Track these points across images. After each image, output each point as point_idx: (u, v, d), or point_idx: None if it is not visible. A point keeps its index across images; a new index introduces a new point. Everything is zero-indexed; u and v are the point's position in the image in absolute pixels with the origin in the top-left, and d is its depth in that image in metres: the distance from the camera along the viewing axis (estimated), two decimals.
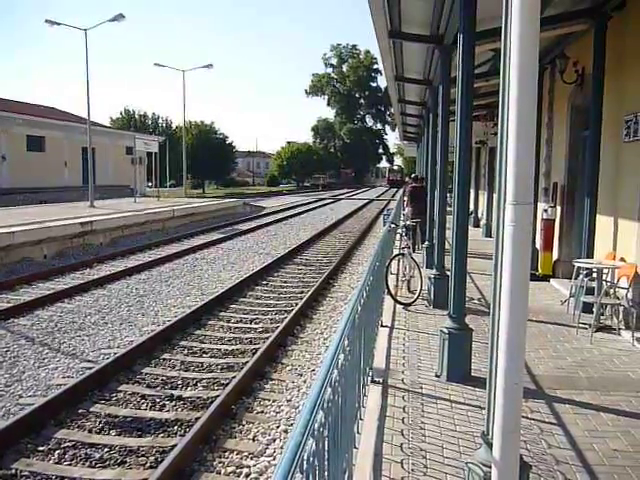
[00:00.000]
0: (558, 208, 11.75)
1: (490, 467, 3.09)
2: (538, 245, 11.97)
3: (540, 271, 11.79)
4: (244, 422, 6.49)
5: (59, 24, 27.83)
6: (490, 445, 3.12)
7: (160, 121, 78.12)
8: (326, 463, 2.64)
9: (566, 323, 8.47)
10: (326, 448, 2.62)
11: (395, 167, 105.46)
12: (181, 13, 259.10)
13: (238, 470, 5.47)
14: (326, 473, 2.63)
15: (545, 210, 11.66)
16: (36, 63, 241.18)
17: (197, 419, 6.33)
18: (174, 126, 76.47)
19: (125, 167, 44.79)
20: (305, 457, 2.20)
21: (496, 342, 3.07)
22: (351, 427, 4.02)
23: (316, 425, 2.39)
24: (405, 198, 24.59)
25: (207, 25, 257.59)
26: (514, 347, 2.93)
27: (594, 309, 8.01)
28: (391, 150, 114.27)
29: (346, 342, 3.51)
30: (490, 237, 17.34)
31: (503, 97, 3.01)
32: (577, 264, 8.59)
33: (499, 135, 3.06)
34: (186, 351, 8.96)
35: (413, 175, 18.43)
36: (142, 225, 24.28)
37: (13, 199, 32.64)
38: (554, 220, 11.64)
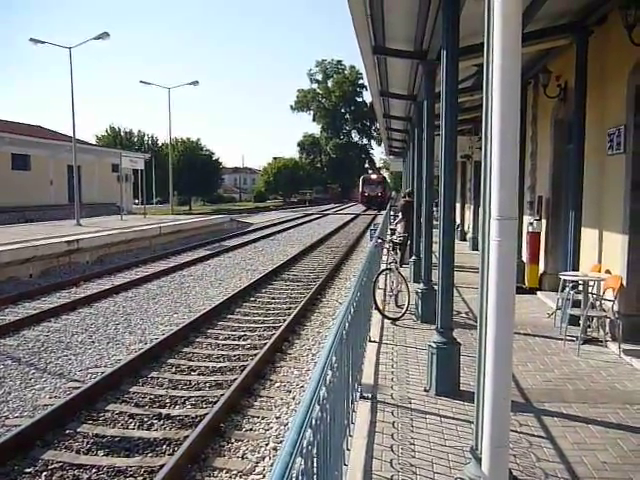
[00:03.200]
0: (543, 221, 11.83)
1: None
2: (525, 258, 12.03)
3: (527, 284, 11.84)
4: (233, 440, 6.44)
5: (43, 42, 27.81)
6: (479, 460, 3.12)
7: (146, 138, 77.98)
8: None
9: (553, 336, 8.50)
10: (315, 466, 2.60)
11: (373, 176, 74.48)
12: (165, 29, 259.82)
13: None
14: None
15: (531, 223, 11.74)
16: (21, 81, 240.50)
17: (186, 438, 6.27)
18: (160, 143, 76.43)
19: (111, 184, 44.66)
20: (294, 476, 2.20)
21: (483, 356, 3.07)
22: (340, 444, 4.00)
23: (304, 443, 2.38)
24: (392, 213, 24.77)
25: (191, 40, 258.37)
26: (501, 361, 2.93)
27: (581, 322, 8.05)
28: (377, 165, 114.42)
29: (334, 359, 3.50)
30: (477, 250, 17.43)
31: (486, 113, 3.04)
32: (563, 277, 8.64)
33: (483, 150, 3.08)
34: (174, 369, 8.89)
35: (407, 190, 18.52)
36: (129, 243, 24.16)
37: None
38: (539, 233, 11.72)
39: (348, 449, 4.60)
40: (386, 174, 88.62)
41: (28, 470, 5.74)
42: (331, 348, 3.33)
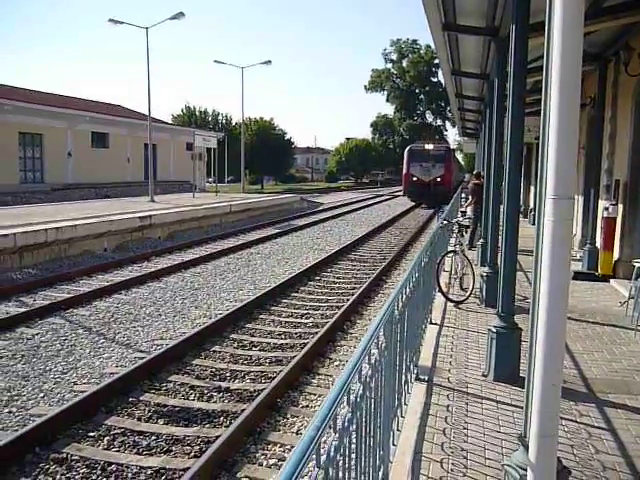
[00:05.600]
0: (620, 206, 11.34)
1: (526, 470, 3.00)
2: (598, 244, 11.60)
3: (600, 271, 11.43)
4: (289, 416, 6.51)
5: (122, 23, 28.49)
6: (527, 448, 3.03)
7: (220, 117, 79.00)
8: (353, 458, 2.61)
9: (624, 325, 8.16)
10: (353, 443, 2.58)
11: (428, 145, 41.72)
12: (238, 10, 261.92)
13: (280, 463, 5.48)
14: (353, 468, 2.60)
15: (606, 208, 11.28)
16: (103, 62, 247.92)
17: (243, 411, 6.38)
18: (234, 122, 77.24)
19: (186, 163, 45.61)
20: (328, 453, 2.19)
21: (535, 341, 2.97)
22: (388, 424, 3.97)
23: (341, 419, 2.37)
24: (463, 195, 24.34)
25: (264, 21, 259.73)
26: (553, 347, 2.82)
27: None
28: (452, 146, 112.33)
29: (381, 338, 3.46)
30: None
31: (546, 89, 2.90)
32: (637, 264, 8.28)
33: (541, 128, 2.95)
34: (236, 344, 9.05)
35: (475, 172, 18.14)
36: (199, 220, 24.66)
37: (77, 194, 33.69)
38: (615, 218, 11.24)
39: (399, 430, 4.57)
40: (460, 156, 78.49)
41: (92, 434, 5.98)
42: (377, 326, 3.29)
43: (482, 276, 9.34)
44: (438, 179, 39.24)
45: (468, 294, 9.57)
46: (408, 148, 42.15)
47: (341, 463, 2.36)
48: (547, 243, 2.79)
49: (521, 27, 5.58)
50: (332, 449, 2.19)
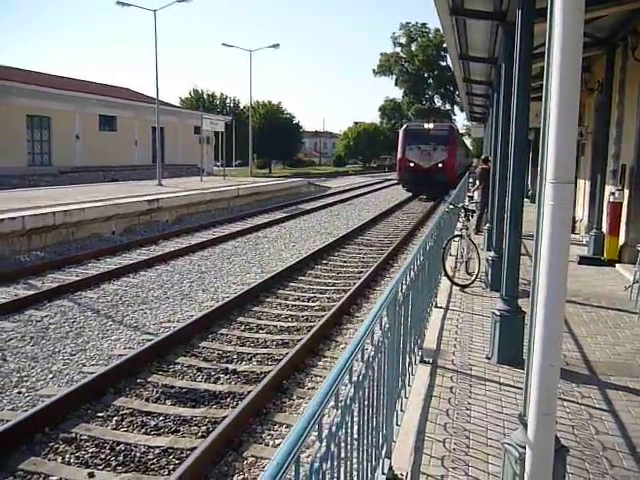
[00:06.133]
0: (626, 191, 11.33)
1: (525, 448, 3.07)
2: (604, 229, 11.60)
3: (605, 256, 11.45)
4: (294, 397, 6.61)
5: (129, 5, 28.46)
6: (526, 426, 3.09)
7: (228, 101, 78.83)
8: (355, 436, 2.69)
9: (629, 310, 8.20)
10: (353, 420, 2.65)
11: (428, 125, 34.96)
12: None
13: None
14: (355, 445, 2.68)
15: (612, 193, 11.27)
16: (111, 46, 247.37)
17: (249, 392, 6.48)
18: (242, 106, 77.06)
19: (193, 146, 45.66)
20: (330, 428, 2.26)
21: (534, 323, 3.02)
22: (392, 404, 4.05)
23: (341, 398, 2.44)
24: (471, 180, 24.29)
25: (272, 4, 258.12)
26: (552, 328, 2.87)
27: None
28: (461, 131, 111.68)
29: (384, 319, 3.53)
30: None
31: (547, 73, 2.94)
32: None
33: (542, 113, 2.99)
34: (243, 327, 9.14)
35: (483, 156, 18.10)
36: (207, 203, 24.73)
37: (85, 177, 33.79)
38: (621, 203, 11.24)
39: (402, 410, 4.64)
40: (468, 141, 75.95)
41: (100, 414, 6.09)
42: (381, 307, 3.35)
43: (488, 260, 9.39)
44: (439, 165, 33.02)
45: (474, 278, 9.63)
46: (404, 127, 36.08)
47: (343, 439, 2.43)
48: (547, 227, 2.83)
49: (527, 12, 5.58)
50: (334, 425, 2.26)
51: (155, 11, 28.57)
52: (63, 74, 50.63)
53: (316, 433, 2.22)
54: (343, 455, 2.52)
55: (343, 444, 2.46)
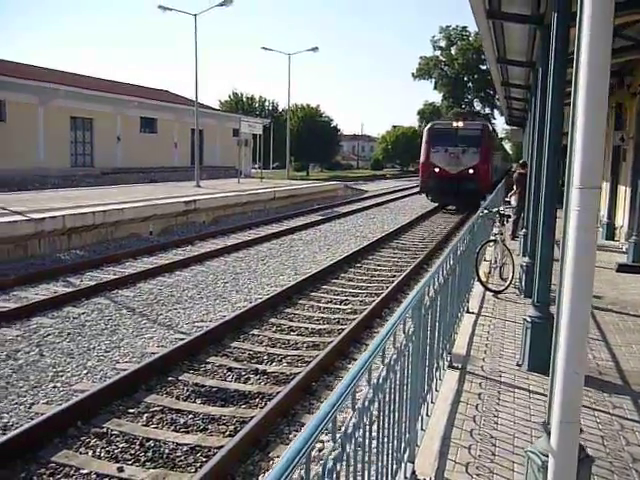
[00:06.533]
0: None
1: (548, 457, 3.03)
2: None
3: None
4: (323, 399, 6.61)
5: (171, 9, 28.87)
6: (550, 434, 3.06)
7: (267, 104, 79.37)
8: (374, 438, 2.69)
9: None
10: (370, 422, 2.66)
11: (457, 123, 29.87)
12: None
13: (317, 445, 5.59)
14: (373, 447, 2.68)
15: None
16: (151, 48, 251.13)
17: (278, 393, 6.52)
18: (280, 109, 77.49)
19: (232, 148, 45.87)
20: (345, 429, 2.27)
21: (559, 329, 2.99)
22: (416, 408, 4.03)
23: (362, 400, 2.45)
24: (508, 185, 23.98)
25: (312, 8, 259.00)
26: (576, 335, 2.84)
27: None
28: (500, 135, 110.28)
29: (409, 323, 3.52)
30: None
31: (576, 78, 2.91)
32: None
33: (570, 117, 2.96)
34: (274, 328, 9.20)
35: (521, 161, 17.86)
36: (244, 205, 24.93)
37: (126, 178, 34.35)
38: None
39: (428, 415, 4.62)
40: (507, 146, 73.49)
41: (131, 410, 6.20)
42: (404, 311, 3.35)
43: (522, 266, 9.28)
44: (470, 170, 27.88)
45: (507, 284, 9.52)
46: (428, 126, 31.13)
47: (360, 440, 2.44)
48: (572, 232, 2.80)
49: (562, 15, 5.51)
50: (351, 426, 2.27)
51: (195, 15, 28.90)
52: (102, 76, 51.38)
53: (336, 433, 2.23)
54: (360, 456, 2.52)
55: (360, 446, 2.47)
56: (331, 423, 2.05)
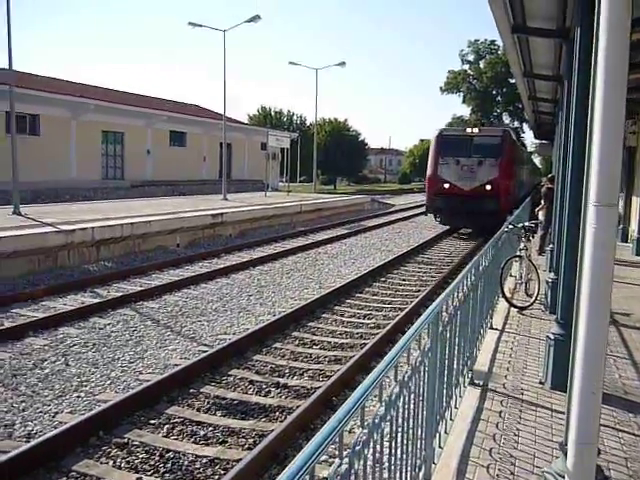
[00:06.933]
0: None
1: (564, 478, 2.99)
2: None
3: None
4: None
5: (201, 26, 29.25)
6: (567, 455, 3.01)
7: (295, 118, 79.86)
8: (386, 454, 2.68)
9: None
10: (382, 439, 2.65)
11: (471, 130, 24.52)
12: (312, 13, 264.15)
13: (331, 460, 5.56)
14: (385, 465, 2.67)
15: None
16: (182, 64, 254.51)
17: (298, 407, 6.51)
18: (308, 122, 77.91)
19: (260, 162, 46.27)
20: (354, 445, 2.26)
21: (575, 348, 2.96)
22: (432, 425, 4.00)
23: (370, 416, 2.44)
24: (534, 200, 23.74)
25: (338, 20, 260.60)
26: (593, 354, 2.81)
27: None
28: (529, 149, 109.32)
29: (426, 338, 3.50)
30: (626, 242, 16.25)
31: (593, 93, 2.89)
32: None
33: (588, 135, 2.94)
34: (297, 342, 9.20)
35: (550, 175, 17.66)
36: (270, 219, 25.04)
37: (155, 191, 34.76)
38: None
39: (446, 433, 4.58)
40: (537, 160, 69.68)
41: (153, 421, 6.24)
42: (419, 327, 3.33)
43: (547, 282, 9.17)
44: (487, 187, 22.74)
45: (533, 300, 9.41)
46: (437, 133, 24.76)
47: (370, 457, 2.43)
48: (588, 249, 2.78)
49: (586, 29, 5.46)
50: (359, 443, 2.26)
51: (225, 31, 29.25)
52: (134, 91, 52.21)
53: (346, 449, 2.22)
54: (371, 472, 2.51)
55: (370, 462, 2.45)
56: (338, 438, 2.04)
